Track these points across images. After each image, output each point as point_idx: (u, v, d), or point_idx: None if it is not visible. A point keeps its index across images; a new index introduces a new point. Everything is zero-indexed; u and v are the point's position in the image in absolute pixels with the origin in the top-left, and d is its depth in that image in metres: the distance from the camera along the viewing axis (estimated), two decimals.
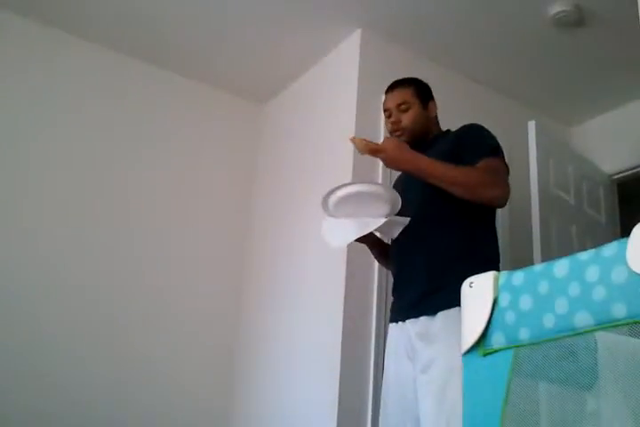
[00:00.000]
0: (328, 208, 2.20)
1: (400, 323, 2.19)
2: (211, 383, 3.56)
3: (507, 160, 2.29)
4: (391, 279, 2.46)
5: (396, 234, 2.21)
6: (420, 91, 2.44)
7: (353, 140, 2.22)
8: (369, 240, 2.31)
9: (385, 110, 2.45)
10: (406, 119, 2.37)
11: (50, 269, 3.27)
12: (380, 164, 3.20)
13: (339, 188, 2.16)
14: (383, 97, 2.50)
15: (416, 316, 2.11)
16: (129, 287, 3.45)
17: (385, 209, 2.16)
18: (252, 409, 3.44)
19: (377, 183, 2.67)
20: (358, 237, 2.20)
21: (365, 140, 2.20)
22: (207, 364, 3.58)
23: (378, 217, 2.15)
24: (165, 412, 3.37)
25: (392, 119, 2.40)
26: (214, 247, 3.81)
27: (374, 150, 2.17)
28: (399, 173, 2.61)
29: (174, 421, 3.37)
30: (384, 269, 2.90)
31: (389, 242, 2.40)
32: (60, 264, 3.30)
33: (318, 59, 3.76)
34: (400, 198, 2.15)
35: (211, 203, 3.87)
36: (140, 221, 3.59)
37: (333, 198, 2.16)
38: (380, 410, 2.22)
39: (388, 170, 3.12)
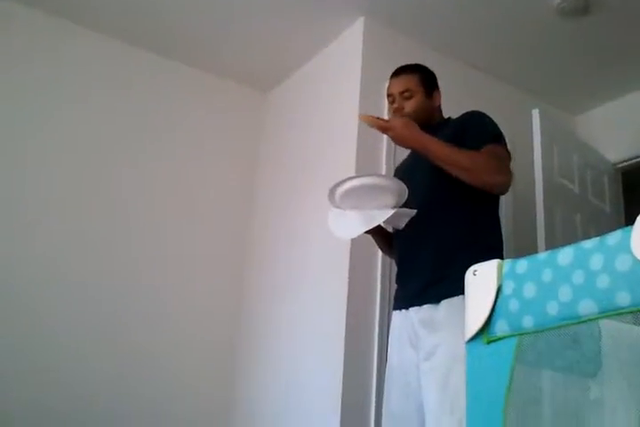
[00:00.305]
0: (335, 200, 2.20)
1: (403, 311, 2.20)
2: (212, 376, 3.56)
3: (509, 148, 2.29)
4: (395, 268, 2.46)
5: (402, 225, 2.22)
6: (425, 79, 2.43)
7: (362, 117, 2.23)
8: (373, 230, 2.31)
9: (388, 95, 2.44)
10: (409, 106, 2.36)
11: (50, 261, 3.27)
12: (384, 153, 3.21)
13: (346, 180, 2.16)
14: (387, 83, 2.48)
15: (420, 304, 2.12)
16: (131, 278, 3.45)
17: (392, 200, 2.16)
18: (253, 402, 3.44)
19: (383, 176, 2.67)
20: (366, 230, 2.20)
21: (373, 116, 2.22)
22: (208, 355, 3.57)
23: (384, 209, 2.15)
24: (166, 405, 3.36)
25: (395, 105, 2.39)
26: (216, 236, 3.80)
27: (383, 128, 2.19)
28: (401, 161, 2.62)
29: (175, 414, 3.37)
30: (387, 259, 2.89)
31: (392, 230, 2.40)
32: (61, 254, 3.30)
33: (321, 47, 3.74)
34: (407, 190, 2.14)
35: (214, 192, 3.87)
36: (144, 210, 3.59)
37: (340, 191, 2.16)
38: (384, 397, 2.23)
39: (391, 158, 3.13)
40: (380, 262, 3.03)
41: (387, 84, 2.48)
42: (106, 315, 3.33)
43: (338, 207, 2.22)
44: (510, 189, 2.26)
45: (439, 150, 2.13)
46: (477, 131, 2.24)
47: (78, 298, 3.28)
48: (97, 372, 3.22)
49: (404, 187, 2.14)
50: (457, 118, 2.37)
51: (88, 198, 3.44)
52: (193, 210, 3.76)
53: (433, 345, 2.01)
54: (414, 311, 2.13)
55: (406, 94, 2.37)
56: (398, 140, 2.19)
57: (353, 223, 2.18)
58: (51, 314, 3.19)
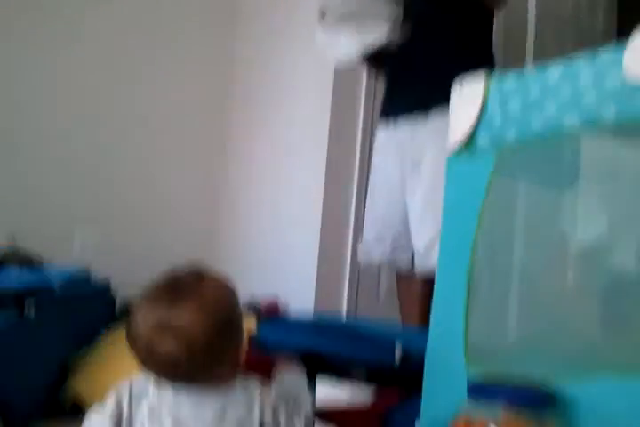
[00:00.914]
0: (325, 22, 2.14)
1: (391, 123, 2.21)
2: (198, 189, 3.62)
3: None
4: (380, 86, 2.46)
5: (396, 39, 2.18)
6: None
7: None
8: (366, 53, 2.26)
9: None
10: None
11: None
12: None
13: None
14: None
15: (407, 116, 2.12)
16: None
17: (385, 17, 2.11)
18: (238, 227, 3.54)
19: None
20: (362, 49, 2.17)
21: None
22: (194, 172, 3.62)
23: (379, 23, 2.11)
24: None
25: None
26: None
27: None
28: None
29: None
30: (373, 74, 2.85)
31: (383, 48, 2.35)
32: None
33: None
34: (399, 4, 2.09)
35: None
36: (133, 66, 3.44)
37: (331, 10, 2.11)
38: (367, 206, 2.31)
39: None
40: (364, 77, 3.00)
41: None
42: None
43: (328, 29, 2.17)
44: None
45: None
46: None
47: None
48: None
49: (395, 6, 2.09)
50: None
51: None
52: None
53: (419, 157, 2.05)
54: (402, 125, 2.14)
55: None
56: None
57: (347, 44, 2.15)
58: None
